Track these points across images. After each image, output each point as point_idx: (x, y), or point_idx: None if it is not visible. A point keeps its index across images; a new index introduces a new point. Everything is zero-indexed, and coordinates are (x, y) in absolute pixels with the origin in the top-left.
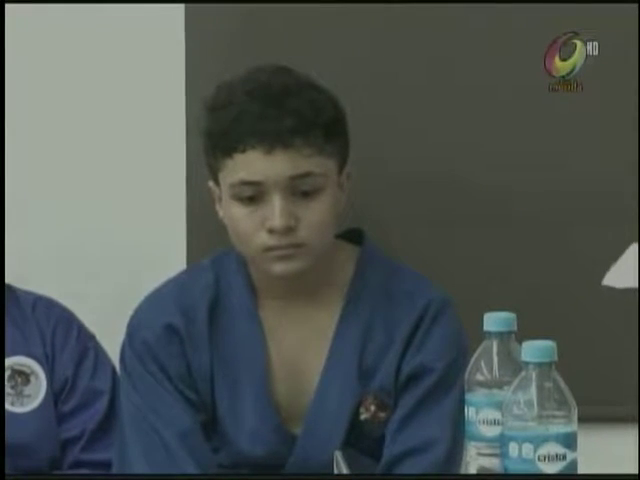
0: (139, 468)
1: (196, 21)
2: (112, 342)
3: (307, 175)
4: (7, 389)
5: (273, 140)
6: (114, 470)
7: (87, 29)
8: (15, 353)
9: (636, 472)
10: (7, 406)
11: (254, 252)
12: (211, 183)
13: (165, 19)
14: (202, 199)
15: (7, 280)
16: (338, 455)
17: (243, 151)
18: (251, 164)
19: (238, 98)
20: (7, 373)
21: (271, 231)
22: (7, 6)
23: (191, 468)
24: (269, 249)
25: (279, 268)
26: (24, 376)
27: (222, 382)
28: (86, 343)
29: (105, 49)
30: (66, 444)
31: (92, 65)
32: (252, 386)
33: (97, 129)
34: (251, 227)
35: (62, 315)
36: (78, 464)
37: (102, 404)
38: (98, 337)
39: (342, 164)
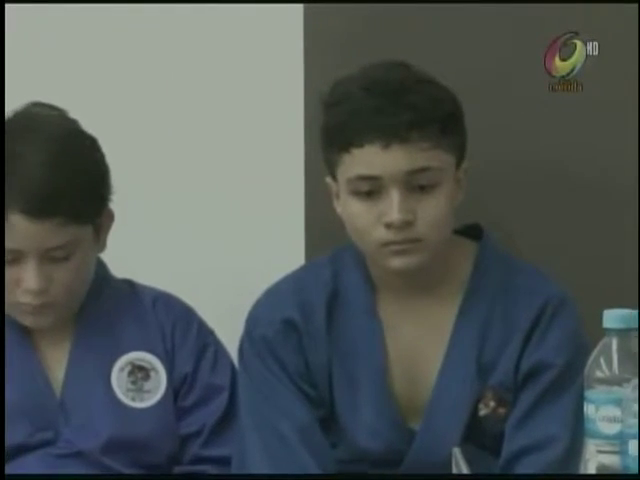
0: (258, 463)
1: (315, 19)
2: (231, 338)
3: (424, 170)
4: (127, 384)
5: (390, 135)
6: (233, 466)
7: (210, 28)
8: (135, 349)
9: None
10: (127, 402)
11: (371, 247)
12: (329, 179)
13: (285, 18)
14: (320, 195)
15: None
16: (457, 451)
17: (360, 146)
18: (368, 159)
19: (355, 93)
20: (127, 369)
21: (388, 226)
22: None
23: (310, 463)
24: (386, 244)
25: (397, 263)
26: (144, 372)
27: (340, 377)
28: (206, 339)
29: (226, 46)
30: (186, 440)
31: (213, 63)
32: (370, 382)
33: (218, 125)
34: (368, 222)
35: (182, 311)
36: (198, 460)
37: (222, 400)
38: (217, 332)
39: (459, 159)
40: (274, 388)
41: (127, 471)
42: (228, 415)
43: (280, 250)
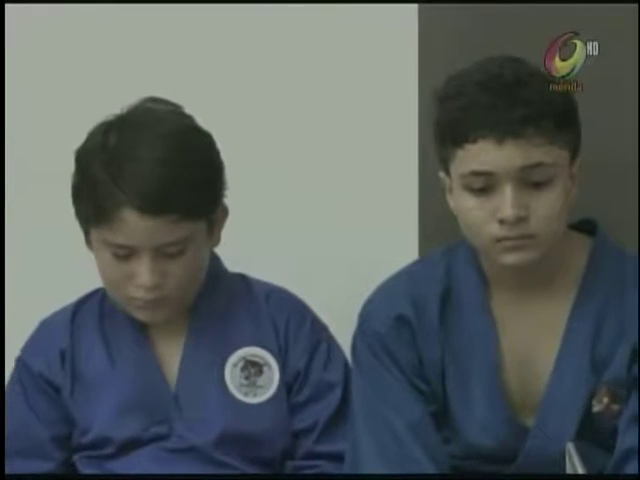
0: (371, 459)
1: (429, 17)
2: (344, 333)
3: (538, 165)
4: (241, 380)
5: (504, 130)
6: (346, 462)
7: (328, 27)
8: (248, 344)
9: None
10: (240, 397)
11: (485, 243)
12: (442, 174)
13: (400, 14)
14: (434, 190)
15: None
16: (570, 447)
17: (474, 141)
18: (482, 154)
19: (469, 88)
20: (240, 364)
21: (502, 222)
22: None
23: (423, 459)
24: (500, 240)
25: (510, 259)
26: (257, 367)
27: (453, 373)
28: (319, 335)
29: (345, 44)
30: (299, 435)
31: (332, 60)
32: (483, 377)
33: (336, 119)
34: (482, 217)
35: (295, 306)
36: (311, 455)
37: (335, 396)
38: (330, 328)
39: (573, 155)
40: (387, 384)
41: (240, 466)
42: (341, 411)
43: (394, 246)
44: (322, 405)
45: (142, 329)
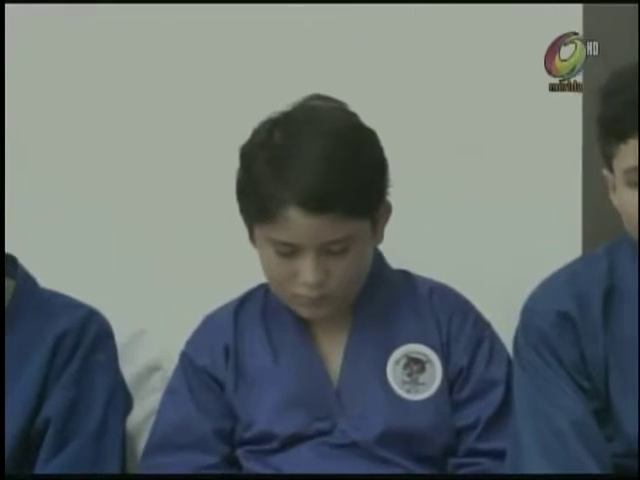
0: (533, 457)
1: (594, 16)
2: (507, 330)
3: None
4: (403, 377)
5: None
6: (508, 460)
7: (493, 27)
8: (411, 341)
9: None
10: (402, 394)
11: None
12: (606, 171)
13: (565, 15)
14: (597, 188)
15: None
16: None
17: (637, 137)
18: None
19: (633, 84)
20: (403, 361)
21: None
22: None
23: (586, 457)
24: None
25: None
26: (420, 364)
27: (617, 370)
28: (482, 332)
29: (506, 44)
30: (461, 432)
31: (494, 57)
32: None
33: (495, 116)
34: None
35: (458, 303)
36: (473, 453)
37: (497, 393)
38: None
39: None
40: (550, 381)
41: (401, 462)
42: (503, 408)
43: (557, 242)
44: (484, 402)
45: (305, 326)
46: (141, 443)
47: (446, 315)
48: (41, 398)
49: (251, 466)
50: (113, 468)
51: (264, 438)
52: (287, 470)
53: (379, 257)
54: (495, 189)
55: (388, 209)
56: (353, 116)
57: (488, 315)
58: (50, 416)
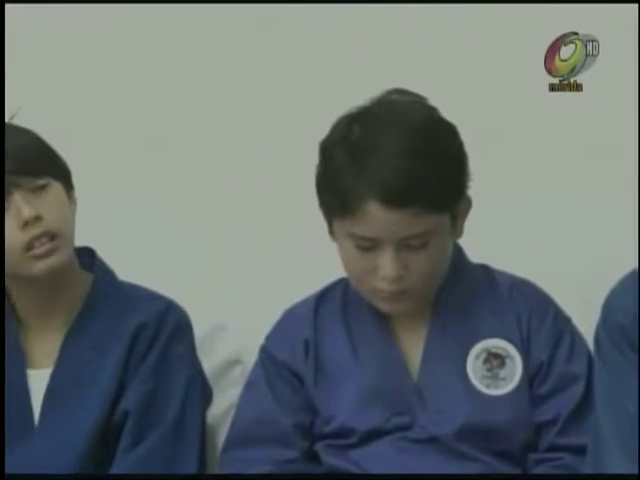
0: (613, 453)
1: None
2: (588, 326)
3: None
4: (483, 372)
5: None
6: (589, 454)
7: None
8: (491, 336)
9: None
10: (482, 389)
11: None
12: None
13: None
14: None
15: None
16: None
17: None
18: None
19: None
20: (483, 356)
21: None
22: None
23: None
24: None
25: None
26: (500, 359)
27: None
28: (562, 327)
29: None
30: (541, 428)
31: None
32: None
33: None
34: None
35: (538, 298)
36: (554, 448)
37: (578, 388)
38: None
39: None
40: (629, 376)
41: (480, 457)
42: (584, 404)
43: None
44: (565, 397)
45: (385, 320)
46: (221, 436)
47: (526, 310)
48: (120, 390)
49: (331, 460)
50: (191, 460)
51: (343, 433)
52: (366, 465)
53: (459, 252)
54: (568, 186)
55: (468, 204)
56: (433, 110)
57: (568, 311)
58: (129, 408)
